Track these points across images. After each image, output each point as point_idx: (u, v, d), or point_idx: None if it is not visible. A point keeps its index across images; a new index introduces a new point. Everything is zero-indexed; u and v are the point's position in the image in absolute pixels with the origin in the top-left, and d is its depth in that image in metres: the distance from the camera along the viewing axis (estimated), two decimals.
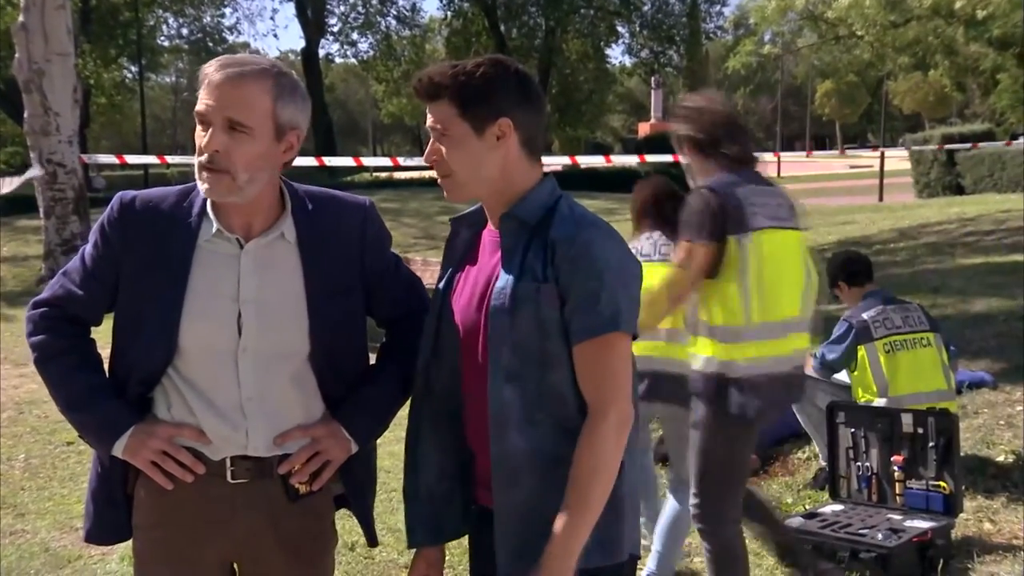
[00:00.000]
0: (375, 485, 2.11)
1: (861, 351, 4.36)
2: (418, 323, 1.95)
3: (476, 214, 1.89)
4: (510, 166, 1.76)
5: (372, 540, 2.10)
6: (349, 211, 1.96)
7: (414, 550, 1.95)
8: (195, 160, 1.80)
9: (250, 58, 1.86)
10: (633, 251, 1.87)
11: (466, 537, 1.98)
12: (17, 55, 11.33)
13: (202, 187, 1.81)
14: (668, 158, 16.53)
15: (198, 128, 1.81)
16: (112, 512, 1.96)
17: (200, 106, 1.79)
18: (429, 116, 1.78)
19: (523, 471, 1.71)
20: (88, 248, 1.93)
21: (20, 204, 22.07)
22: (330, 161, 14.39)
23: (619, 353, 1.70)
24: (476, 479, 1.86)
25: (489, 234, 1.84)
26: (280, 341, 1.87)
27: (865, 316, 4.39)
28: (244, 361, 1.86)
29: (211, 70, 1.80)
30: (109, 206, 1.90)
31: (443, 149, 1.77)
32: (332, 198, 1.97)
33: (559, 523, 1.65)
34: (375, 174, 28.43)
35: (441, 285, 1.87)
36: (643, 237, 3.68)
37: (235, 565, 2.00)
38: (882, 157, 22.35)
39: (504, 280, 1.73)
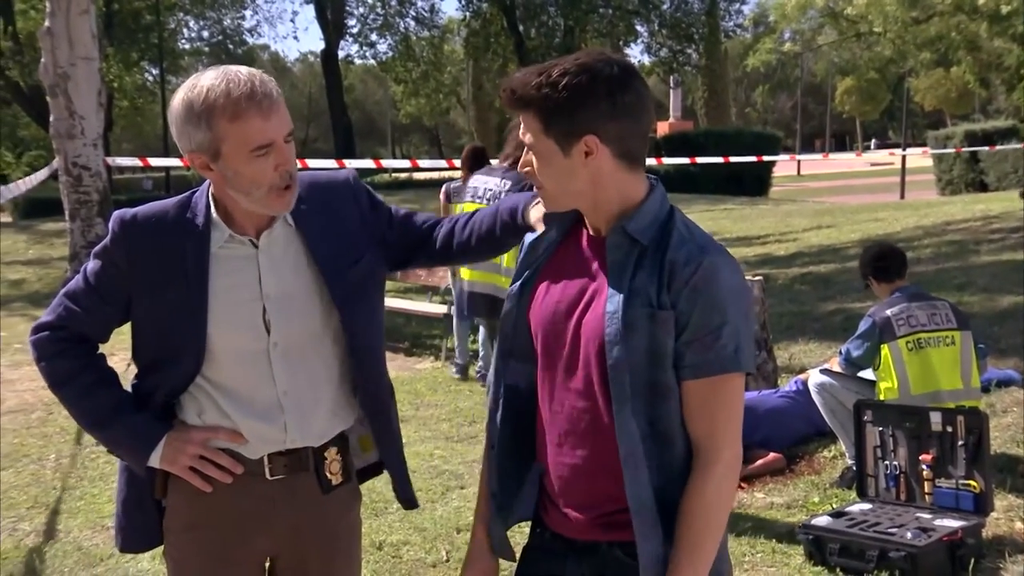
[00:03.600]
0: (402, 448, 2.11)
1: (884, 349, 4.33)
2: (437, 224, 2.06)
3: (568, 214, 1.75)
4: (604, 180, 1.62)
5: (412, 501, 2.09)
6: (337, 188, 1.97)
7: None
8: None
9: None
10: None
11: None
12: (43, 59, 11.44)
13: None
14: (685, 160, 16.54)
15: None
16: (144, 518, 1.97)
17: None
18: (521, 125, 1.66)
19: (655, 512, 1.59)
20: (92, 267, 1.92)
21: (43, 207, 22.32)
22: (350, 163, 14.51)
23: (735, 392, 1.60)
24: (546, 498, 1.74)
25: (588, 240, 1.70)
26: (307, 329, 1.90)
27: (888, 313, 4.36)
28: (276, 356, 1.88)
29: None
30: (109, 226, 1.90)
31: (534, 161, 1.65)
32: (314, 180, 1.96)
33: (676, 573, 1.57)
34: (394, 175, 28.52)
35: (517, 287, 1.76)
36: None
37: (269, 560, 2.02)
38: (903, 161, 22.19)
39: (614, 304, 1.59)
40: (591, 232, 1.70)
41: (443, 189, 7.29)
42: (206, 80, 1.77)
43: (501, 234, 1.99)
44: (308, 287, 1.90)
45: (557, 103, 1.57)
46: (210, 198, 1.89)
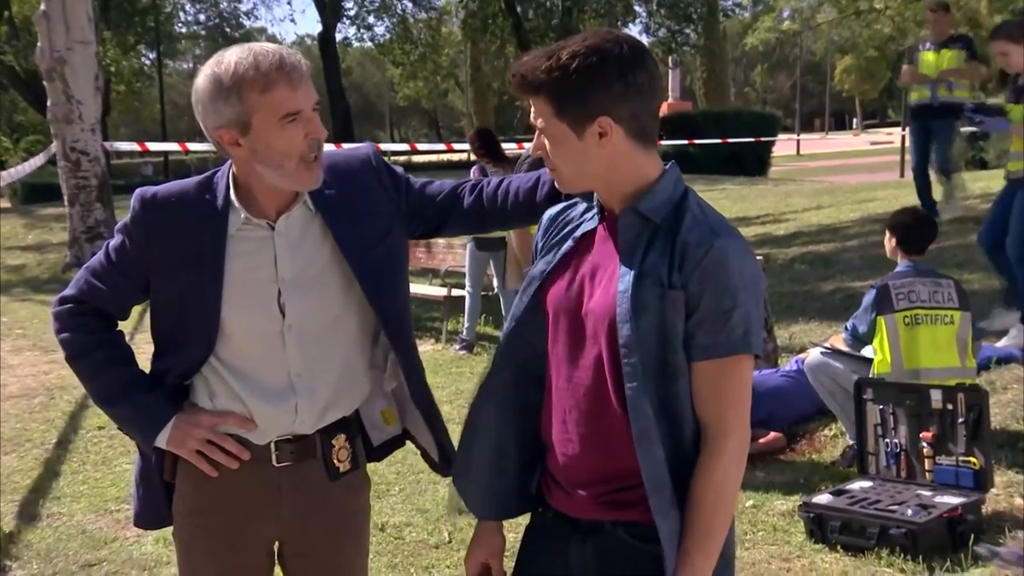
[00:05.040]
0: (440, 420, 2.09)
1: (881, 321, 4.32)
2: (464, 189, 2.02)
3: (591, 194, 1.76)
4: (619, 160, 1.62)
5: (447, 466, 2.06)
6: (358, 167, 1.96)
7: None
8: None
9: None
10: None
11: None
12: (39, 44, 11.40)
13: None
14: (684, 141, 16.44)
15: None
16: (152, 497, 1.99)
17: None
18: (532, 109, 1.65)
19: (671, 491, 1.60)
20: (114, 244, 1.93)
21: (42, 192, 22.29)
22: (346, 148, 14.46)
23: (744, 375, 1.60)
24: (550, 478, 1.76)
25: (604, 219, 1.71)
26: (322, 312, 1.90)
27: (889, 283, 4.36)
28: (290, 339, 1.88)
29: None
30: (132, 204, 1.90)
31: (547, 144, 1.65)
32: (333, 162, 1.93)
33: (685, 561, 1.57)
34: (393, 158, 28.49)
35: (538, 266, 1.77)
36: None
37: (276, 544, 2.03)
38: (903, 140, 22.13)
39: (625, 283, 1.59)
40: (607, 212, 1.70)
41: (475, 170, 7.15)
42: (232, 56, 1.77)
43: (542, 201, 1.96)
44: (326, 270, 1.89)
45: (569, 86, 1.57)
46: (230, 179, 1.88)
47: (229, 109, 1.77)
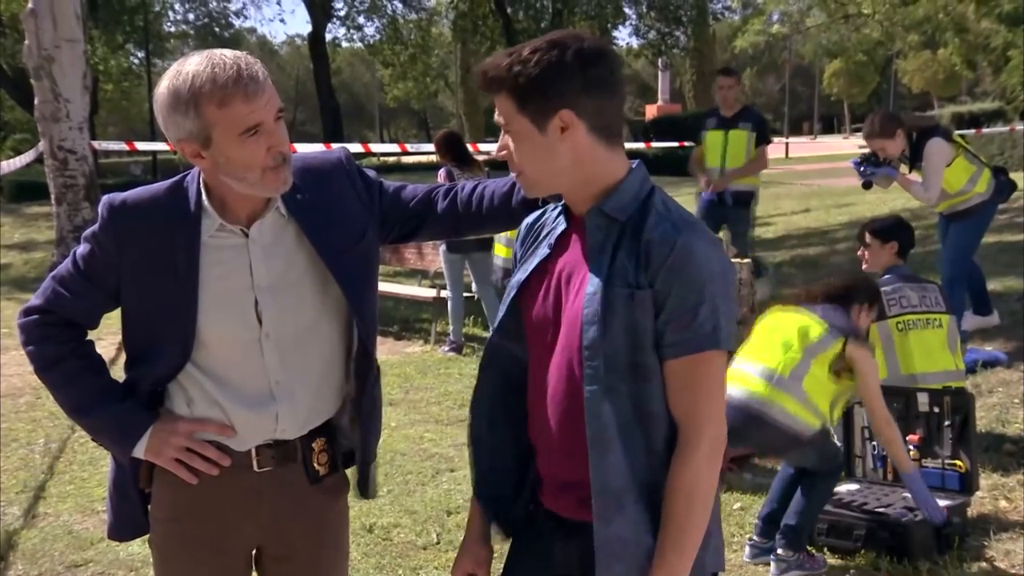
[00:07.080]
0: (379, 439, 2.10)
1: (873, 328, 4.34)
2: (438, 193, 2.02)
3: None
4: (582, 157, 1.61)
5: (367, 492, 2.08)
6: (331, 170, 1.94)
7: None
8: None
9: None
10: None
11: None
12: (27, 41, 11.34)
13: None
14: (674, 143, 16.44)
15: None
16: (129, 508, 1.97)
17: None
18: (496, 108, 1.66)
19: (627, 496, 1.59)
20: (82, 251, 1.88)
21: (30, 191, 22.16)
22: (338, 147, 14.39)
23: (715, 371, 1.59)
24: (539, 479, 1.78)
25: (574, 223, 1.71)
26: (300, 319, 1.88)
27: (880, 289, 4.39)
28: (268, 347, 1.86)
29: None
30: (99, 211, 1.87)
31: (510, 144, 1.65)
32: (306, 164, 1.91)
33: (660, 559, 1.57)
34: (382, 159, 28.43)
35: (517, 275, 1.77)
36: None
37: (256, 548, 2.01)
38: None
39: (594, 285, 1.59)
40: (575, 215, 1.70)
41: (442, 173, 7.16)
42: (191, 66, 1.73)
43: (518, 206, 1.95)
44: (302, 276, 1.87)
45: (530, 79, 1.58)
46: (201, 185, 1.85)
47: (188, 123, 1.73)
